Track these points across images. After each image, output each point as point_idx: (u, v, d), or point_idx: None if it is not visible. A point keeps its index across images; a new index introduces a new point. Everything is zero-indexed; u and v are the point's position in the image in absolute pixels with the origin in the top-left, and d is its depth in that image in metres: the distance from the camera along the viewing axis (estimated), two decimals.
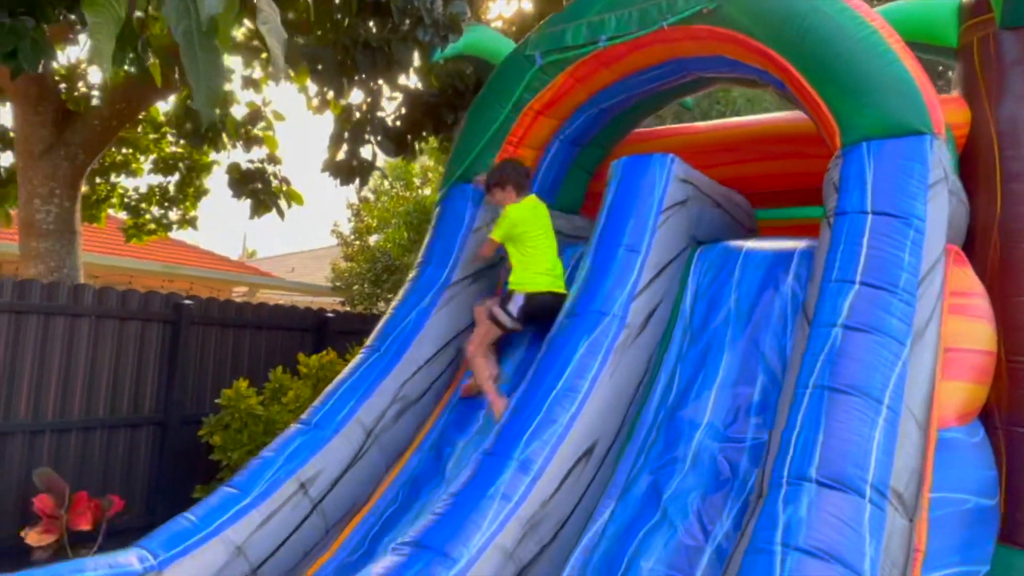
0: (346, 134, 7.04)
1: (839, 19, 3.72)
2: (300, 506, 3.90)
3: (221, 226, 67.97)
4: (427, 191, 15.52)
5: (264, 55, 7.00)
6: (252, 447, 5.60)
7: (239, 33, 7.03)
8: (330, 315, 7.69)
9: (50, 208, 6.79)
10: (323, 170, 7.07)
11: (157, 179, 9.29)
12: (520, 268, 4.37)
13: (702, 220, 4.28)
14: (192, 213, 9.50)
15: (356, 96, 6.96)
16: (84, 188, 8.19)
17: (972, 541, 3.10)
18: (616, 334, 3.70)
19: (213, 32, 2.26)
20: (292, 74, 7.01)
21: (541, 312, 4.30)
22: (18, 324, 5.37)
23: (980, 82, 3.97)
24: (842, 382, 2.95)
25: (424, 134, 7.24)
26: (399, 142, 7.06)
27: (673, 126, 6.30)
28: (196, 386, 6.46)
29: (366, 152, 7.09)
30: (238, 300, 7.24)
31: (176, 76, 5.39)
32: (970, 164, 3.95)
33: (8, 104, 7.21)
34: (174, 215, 9.47)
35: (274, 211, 7.77)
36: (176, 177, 9.20)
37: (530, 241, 4.37)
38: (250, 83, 7.41)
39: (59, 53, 7.14)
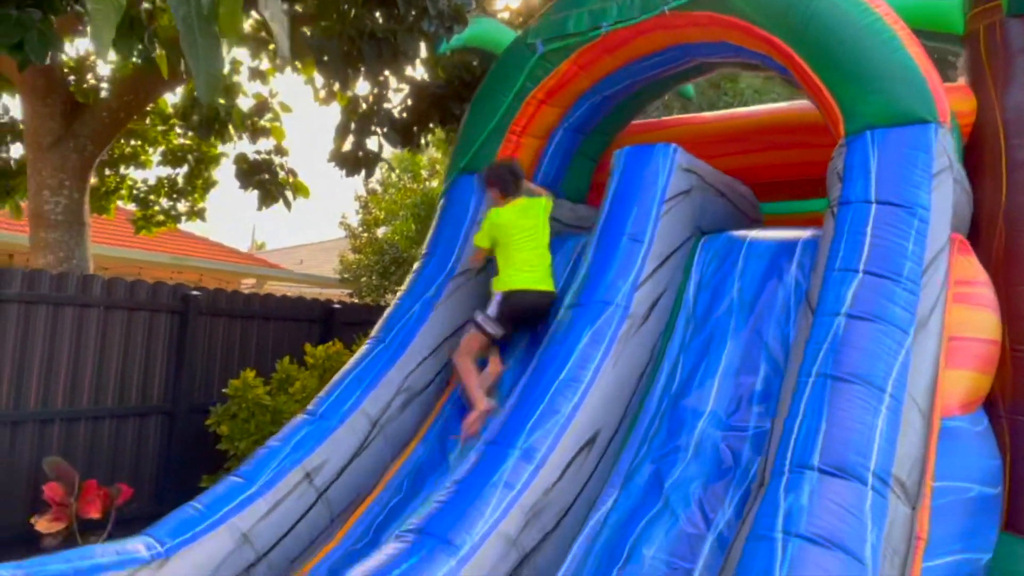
0: (352, 125, 7.06)
1: (843, 6, 3.70)
2: (306, 495, 3.93)
3: (230, 218, 68.20)
4: (435, 183, 15.52)
5: (271, 46, 7.02)
6: (259, 437, 5.63)
7: (247, 25, 7.05)
8: (337, 306, 7.72)
9: (59, 199, 6.83)
10: (329, 160, 7.10)
11: (166, 171, 9.34)
12: (501, 269, 4.37)
13: (706, 210, 4.27)
14: (200, 205, 9.55)
15: (362, 87, 6.97)
16: (93, 180, 8.23)
17: (975, 529, 3.10)
18: (619, 324, 3.70)
19: (213, 18, 2.27)
20: (299, 65, 7.03)
21: (526, 312, 4.27)
22: (28, 314, 5.41)
23: (986, 70, 3.94)
24: (845, 370, 2.95)
25: (431, 126, 7.25)
26: (405, 133, 7.08)
27: (677, 116, 6.29)
28: (204, 376, 6.50)
29: (372, 143, 7.11)
30: (246, 292, 7.25)
31: (182, 68, 5.41)
32: (976, 152, 3.93)
33: (17, 96, 7.25)
34: (183, 207, 9.52)
35: (281, 202, 7.80)
36: (184, 169, 9.24)
37: (512, 244, 4.34)
38: (257, 74, 7.42)
39: (67, 45, 7.18)
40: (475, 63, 6.69)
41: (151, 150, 9.11)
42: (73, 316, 5.65)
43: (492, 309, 4.29)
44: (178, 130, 8.90)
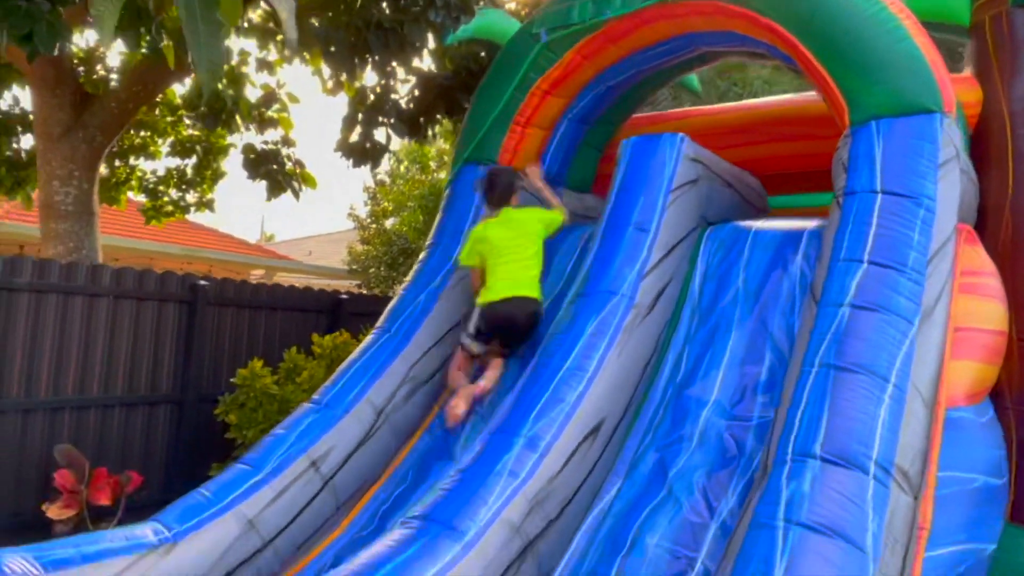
0: (360, 116, 7.07)
1: None
2: (311, 483, 3.95)
3: (240, 210, 68.41)
4: (443, 174, 15.53)
5: (279, 37, 7.03)
6: (267, 425, 5.67)
7: (255, 15, 7.07)
8: (344, 296, 7.76)
9: (69, 190, 6.88)
10: (336, 150, 7.12)
11: (175, 162, 9.39)
12: (485, 284, 4.26)
13: (712, 200, 4.26)
14: (209, 196, 9.60)
15: (370, 78, 6.98)
16: (103, 171, 8.29)
17: (979, 520, 3.10)
18: (624, 314, 3.71)
19: (215, 5, 2.28)
20: (307, 56, 7.04)
21: (504, 324, 4.11)
22: (38, 304, 5.46)
23: (992, 61, 3.92)
24: (848, 361, 2.95)
25: (438, 117, 7.26)
26: (412, 124, 7.08)
27: (684, 109, 6.27)
28: (212, 365, 6.55)
29: (380, 134, 7.12)
30: (255, 282, 7.31)
31: (189, 58, 5.43)
32: (982, 143, 3.91)
33: (27, 87, 7.30)
34: (192, 197, 9.57)
35: (290, 194, 7.83)
36: (193, 160, 9.29)
37: (494, 258, 4.21)
38: (264, 65, 7.44)
39: (76, 36, 7.22)
40: (482, 54, 6.69)
41: (160, 141, 9.16)
42: (83, 305, 5.70)
43: (471, 325, 4.20)
44: (187, 121, 8.94)
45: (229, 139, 9.03)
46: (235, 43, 7.68)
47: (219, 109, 7.25)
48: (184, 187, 9.45)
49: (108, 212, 10.28)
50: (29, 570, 2.97)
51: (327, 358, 6.28)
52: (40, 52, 4.23)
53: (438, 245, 4.83)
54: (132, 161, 9.21)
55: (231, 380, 6.16)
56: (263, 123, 7.83)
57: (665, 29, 4.47)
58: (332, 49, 5.68)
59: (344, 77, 6.67)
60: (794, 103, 5.27)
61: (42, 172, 6.97)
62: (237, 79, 7.47)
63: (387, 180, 16.66)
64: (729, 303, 3.89)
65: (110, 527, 4.87)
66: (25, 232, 11.08)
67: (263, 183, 7.85)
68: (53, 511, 5.09)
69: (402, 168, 16.40)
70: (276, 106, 7.90)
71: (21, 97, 11.52)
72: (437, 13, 5.28)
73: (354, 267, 16.54)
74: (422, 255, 4.92)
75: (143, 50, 5.88)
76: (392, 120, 6.92)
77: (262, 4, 6.66)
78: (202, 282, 6.49)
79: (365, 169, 7.20)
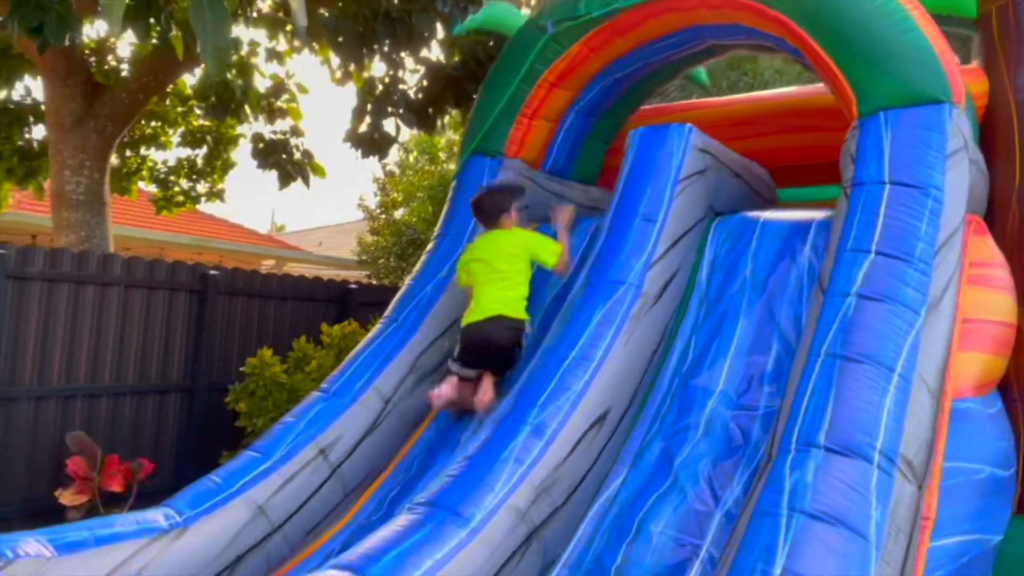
0: (368, 107, 7.09)
1: None
2: (320, 470, 3.99)
3: (250, 201, 68.60)
4: (452, 165, 15.53)
5: (288, 27, 7.05)
6: (276, 414, 5.72)
7: (265, 5, 7.09)
8: (353, 286, 7.80)
9: (80, 179, 6.93)
10: (345, 140, 7.14)
11: (185, 152, 9.44)
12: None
13: (720, 190, 4.26)
14: (219, 186, 9.65)
15: (379, 69, 6.99)
16: (115, 161, 8.35)
17: (985, 511, 3.10)
18: (631, 303, 3.71)
19: None
20: (316, 46, 7.06)
21: (481, 344, 4.02)
22: (50, 292, 5.52)
23: (998, 52, 3.90)
24: (854, 351, 2.95)
25: (447, 107, 7.27)
26: (421, 115, 7.10)
27: (691, 101, 6.26)
28: (222, 354, 6.61)
29: (389, 125, 7.14)
30: (265, 273, 7.36)
31: (198, 48, 5.46)
32: (988, 135, 3.90)
33: (39, 78, 7.35)
34: (202, 188, 9.62)
35: (300, 182, 7.87)
36: (204, 150, 9.33)
37: (476, 279, 4.17)
38: (273, 55, 7.47)
39: (86, 27, 7.25)
40: (491, 43, 6.69)
41: (171, 131, 9.21)
42: (94, 294, 5.76)
43: (456, 350, 4.17)
44: (197, 111, 8.98)
45: (239, 129, 9.08)
46: (244, 33, 7.71)
47: (228, 99, 7.28)
48: (194, 177, 9.51)
49: (119, 202, 10.35)
50: (43, 552, 3.02)
51: (336, 347, 6.32)
52: (51, 43, 4.27)
53: (445, 236, 4.85)
54: (143, 151, 9.27)
55: (241, 369, 6.20)
56: (272, 113, 7.86)
57: (673, 22, 4.46)
58: (340, 39, 5.69)
59: (352, 67, 6.69)
60: (802, 95, 5.26)
61: (54, 162, 7.03)
62: (246, 69, 7.50)
63: (396, 171, 16.69)
64: (736, 293, 3.90)
65: (122, 513, 4.94)
66: (37, 222, 11.17)
67: (273, 174, 7.90)
68: (66, 497, 5.15)
69: (411, 159, 16.43)
70: (285, 96, 7.94)
71: (33, 87, 11.58)
72: (445, 3, 5.28)
73: (364, 257, 16.60)
74: (429, 246, 4.94)
75: (153, 40, 5.92)
76: (401, 110, 6.94)
77: None
78: (212, 271, 6.54)
79: (374, 160, 7.23)
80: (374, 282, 14.36)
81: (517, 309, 4.05)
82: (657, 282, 3.83)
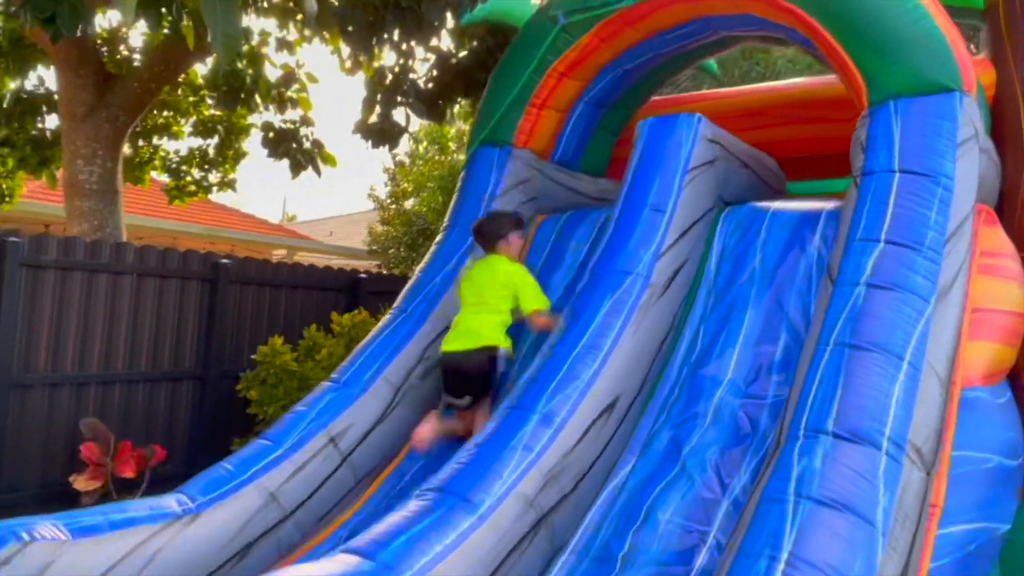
0: (378, 97, 7.09)
1: None
2: (331, 458, 4.03)
3: (261, 191, 68.81)
4: (462, 155, 15.50)
5: (299, 16, 7.06)
6: (287, 402, 5.77)
7: None
8: (362, 276, 7.84)
9: (93, 169, 6.98)
10: (355, 132, 7.15)
11: (197, 142, 9.48)
12: None
13: (729, 181, 4.26)
14: (231, 175, 9.69)
15: (389, 58, 6.99)
16: (127, 150, 8.39)
17: (993, 499, 3.11)
18: (640, 293, 3.72)
19: None
20: (326, 36, 7.06)
21: (452, 371, 4.03)
22: (64, 280, 5.57)
23: (1005, 42, 3.89)
24: (863, 339, 2.96)
25: (457, 97, 7.26)
26: (431, 105, 7.09)
27: (701, 92, 6.25)
28: (234, 342, 6.66)
29: (398, 115, 7.14)
30: (276, 262, 7.40)
31: (208, 37, 5.49)
32: (996, 125, 3.89)
33: (51, 67, 7.39)
34: (214, 177, 9.66)
35: (311, 170, 7.90)
36: (215, 140, 9.37)
37: (463, 299, 4.18)
38: (284, 45, 7.48)
39: (98, 16, 7.28)
40: (501, 33, 6.67)
41: (183, 121, 9.24)
42: (107, 283, 5.81)
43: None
44: (208, 100, 9.01)
45: (250, 119, 9.11)
46: (255, 23, 7.74)
47: (239, 88, 7.30)
48: (206, 167, 9.55)
49: (131, 192, 10.41)
50: (59, 536, 3.06)
51: (346, 336, 6.36)
52: (63, 33, 4.29)
53: (454, 227, 4.86)
54: (155, 141, 9.32)
55: (252, 357, 6.26)
56: (282, 103, 7.88)
57: (683, 12, 4.45)
58: (350, 28, 5.69)
59: (362, 57, 6.69)
60: (812, 85, 5.24)
61: (66, 151, 7.08)
62: (256, 58, 7.51)
63: (407, 161, 16.70)
64: (745, 283, 3.90)
65: (135, 499, 5.00)
66: (50, 211, 11.25)
67: (284, 164, 7.92)
68: (80, 482, 5.22)
69: (421, 149, 16.43)
70: (295, 86, 7.95)
71: (46, 77, 11.63)
72: None
73: (374, 247, 16.64)
74: (438, 237, 4.96)
75: (164, 30, 5.94)
76: (410, 100, 6.94)
77: None
78: (224, 260, 6.59)
79: (385, 150, 7.23)
80: (384, 272, 14.40)
81: (495, 336, 4.01)
82: (666, 272, 3.83)
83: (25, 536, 2.97)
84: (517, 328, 4.22)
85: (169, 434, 6.20)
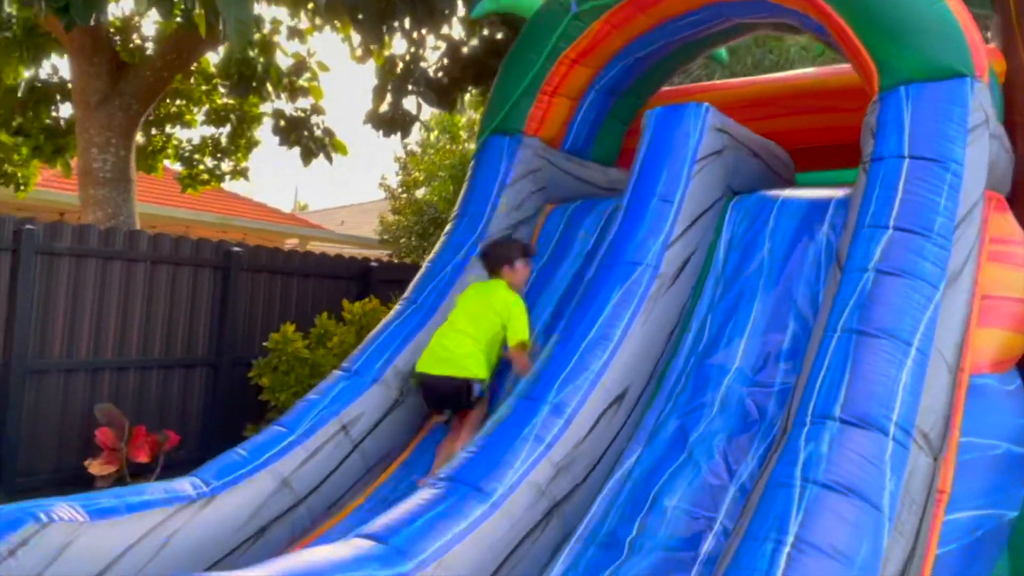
0: (389, 85, 7.11)
1: None
2: (342, 445, 4.05)
3: (274, 180, 69.00)
4: (473, 145, 15.52)
5: (310, 4, 7.07)
6: (299, 389, 5.82)
7: None
8: (374, 264, 7.88)
9: (107, 157, 7.04)
10: (366, 122, 7.17)
11: (210, 131, 9.54)
12: None
13: (738, 170, 4.25)
14: (243, 164, 9.75)
15: (400, 47, 7.01)
16: (140, 139, 8.45)
17: (1001, 486, 3.10)
18: (649, 284, 3.72)
19: None
20: (337, 24, 7.08)
21: (429, 392, 4.05)
22: (78, 268, 5.63)
23: (1016, 31, 3.86)
24: (871, 325, 2.95)
25: (467, 85, 7.27)
26: (442, 93, 7.10)
27: (710, 82, 6.23)
28: (246, 330, 6.72)
29: (409, 103, 7.15)
30: (287, 250, 7.45)
31: (221, 26, 5.51)
32: (1007, 114, 3.85)
33: (65, 56, 7.44)
34: (226, 166, 9.72)
35: (323, 158, 7.93)
36: (227, 128, 9.42)
37: (453, 313, 4.19)
38: (295, 33, 7.50)
39: (111, 5, 7.33)
40: (513, 21, 6.67)
41: (195, 109, 9.29)
42: (121, 270, 5.87)
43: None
44: (221, 89, 9.06)
45: (262, 108, 9.15)
46: (266, 11, 7.75)
47: (250, 76, 7.34)
48: (219, 156, 9.61)
49: (144, 180, 10.48)
50: (76, 517, 3.11)
51: (357, 324, 6.40)
52: (77, 22, 4.33)
53: (463, 216, 4.87)
54: (168, 129, 9.37)
55: (264, 344, 6.31)
56: (294, 92, 7.91)
57: None
58: (361, 16, 5.71)
59: (373, 45, 6.71)
60: (822, 75, 5.22)
61: (80, 139, 7.14)
62: (268, 47, 7.54)
63: (418, 150, 16.72)
64: (754, 272, 3.90)
65: (149, 483, 5.07)
66: (65, 200, 11.34)
67: (296, 153, 7.97)
68: (95, 467, 5.30)
69: (432, 138, 16.44)
70: (306, 75, 7.98)
71: (60, 66, 11.64)
72: None
73: (385, 237, 16.68)
74: (448, 227, 4.96)
75: (177, 19, 5.97)
76: (421, 88, 6.95)
77: None
78: (236, 248, 6.63)
79: (396, 139, 7.29)
80: (395, 260, 14.46)
81: (474, 370, 3.99)
82: (674, 263, 3.83)
83: (43, 517, 3.01)
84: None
85: (182, 420, 6.27)
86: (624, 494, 3.38)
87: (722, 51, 6.33)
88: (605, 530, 3.26)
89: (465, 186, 5.09)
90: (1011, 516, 3.13)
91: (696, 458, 3.35)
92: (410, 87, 7.11)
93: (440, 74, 7.15)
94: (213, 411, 6.46)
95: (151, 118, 8.65)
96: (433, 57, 7.23)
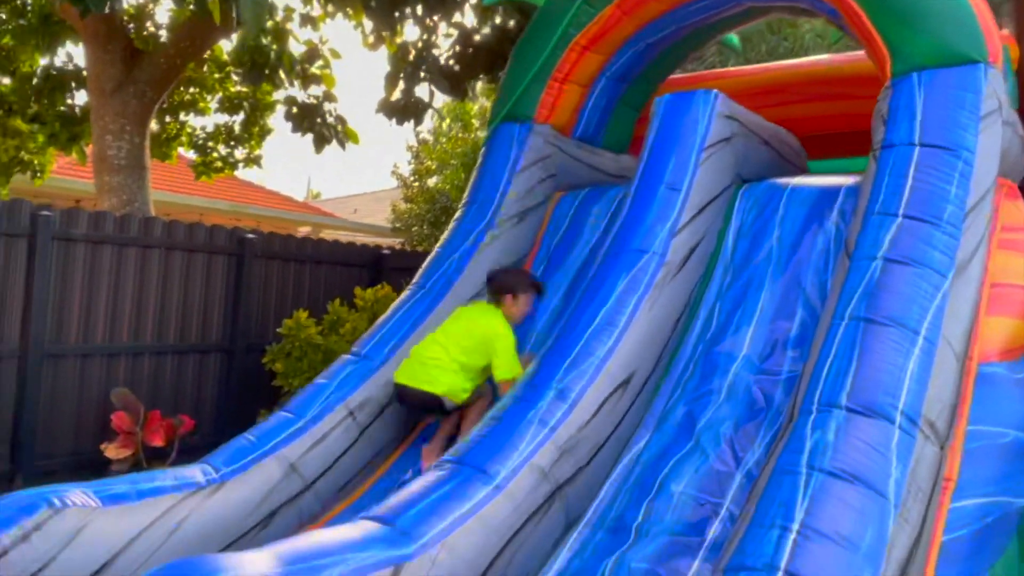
0: (402, 73, 7.12)
1: None
2: (349, 430, 4.09)
3: (286, 169, 69.23)
4: (485, 133, 15.51)
5: None
6: (312, 374, 5.86)
7: None
8: (385, 252, 7.91)
9: (121, 144, 7.10)
10: (378, 111, 7.18)
11: (223, 118, 9.58)
12: None
13: (748, 158, 4.23)
14: (257, 152, 9.79)
15: (412, 34, 7.02)
16: (154, 126, 8.51)
17: (1009, 474, 3.09)
18: (655, 271, 3.72)
19: None
20: (349, 11, 7.08)
21: (413, 404, 4.06)
22: (94, 253, 5.69)
23: None
24: (879, 314, 2.94)
25: (480, 73, 7.26)
26: (454, 81, 7.10)
27: (719, 70, 6.19)
28: (259, 316, 6.77)
29: (422, 91, 7.16)
30: (300, 237, 7.49)
31: (234, 14, 5.53)
32: (1019, 101, 3.80)
33: (80, 43, 7.50)
34: (240, 154, 9.77)
35: (335, 148, 7.97)
36: (241, 116, 9.46)
37: (444, 327, 4.18)
38: (307, 20, 7.51)
39: None
40: (524, 10, 6.65)
41: (209, 97, 9.34)
42: (136, 256, 5.93)
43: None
44: (234, 77, 9.10)
45: (274, 96, 9.18)
46: None
47: (263, 63, 7.36)
48: (232, 143, 9.65)
49: (158, 168, 10.56)
50: (89, 503, 3.17)
51: (369, 311, 6.43)
52: (91, 9, 4.36)
53: (473, 203, 4.88)
54: (182, 117, 9.43)
55: (277, 330, 6.36)
56: (306, 79, 7.93)
57: None
58: (373, 3, 5.71)
59: (385, 32, 6.71)
60: (835, 62, 5.17)
61: (95, 126, 7.20)
62: (281, 34, 7.56)
63: (430, 139, 16.73)
64: (763, 260, 3.89)
65: (164, 467, 5.14)
66: (80, 187, 11.45)
67: (309, 141, 8.01)
68: (111, 451, 5.37)
69: (444, 126, 16.44)
70: (319, 62, 7.99)
71: (75, 54, 11.74)
72: None
73: (397, 225, 16.72)
74: (457, 214, 4.98)
75: (190, 6, 5.99)
76: (434, 76, 6.95)
77: None
78: (249, 235, 6.68)
79: (409, 128, 7.32)
80: (407, 248, 14.50)
81: (444, 384, 3.97)
82: (681, 250, 3.83)
83: (57, 502, 3.07)
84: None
85: (197, 405, 6.33)
86: (632, 479, 3.40)
87: (734, 37, 6.28)
88: (613, 515, 3.28)
89: (475, 173, 5.10)
90: (1020, 503, 3.11)
91: (703, 445, 3.36)
92: (422, 74, 7.11)
93: (452, 62, 7.15)
94: (227, 396, 6.52)
95: (165, 106, 8.70)
96: (445, 45, 7.23)
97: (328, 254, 7.42)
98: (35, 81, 8.34)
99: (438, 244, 4.89)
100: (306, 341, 6.15)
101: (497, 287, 4.22)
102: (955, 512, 2.82)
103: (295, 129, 7.95)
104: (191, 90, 9.20)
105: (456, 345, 4.02)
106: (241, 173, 10.58)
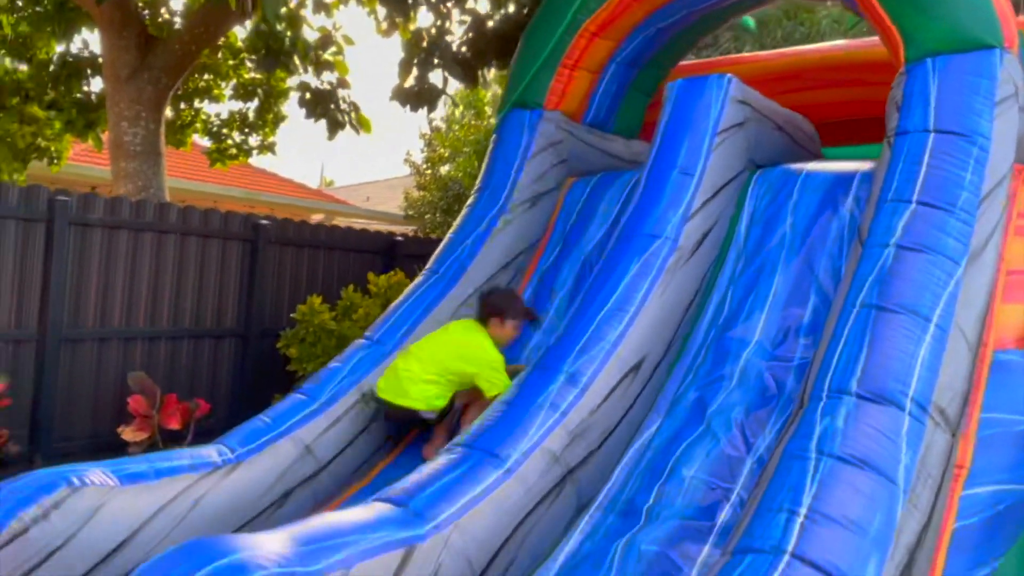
0: (415, 60, 7.12)
1: None
2: (362, 413, 4.14)
3: (300, 156, 69.40)
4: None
5: None
6: (326, 359, 5.90)
7: None
8: (399, 238, 7.94)
9: (137, 130, 7.14)
10: (392, 98, 7.18)
11: (237, 105, 9.62)
12: None
13: (761, 143, 4.21)
14: (271, 139, 9.82)
15: (426, 20, 7.01)
16: (169, 113, 8.55)
17: (1022, 462, 3.09)
18: (667, 256, 3.73)
19: None
20: None
21: (395, 417, 4.08)
22: (111, 239, 5.75)
23: None
24: (891, 301, 2.94)
25: (493, 60, 7.25)
26: (467, 68, 7.09)
27: (734, 56, 6.15)
28: (274, 302, 6.82)
29: (435, 78, 7.15)
30: (314, 224, 7.53)
31: (249, 1, 5.55)
32: None
33: (95, 30, 7.54)
34: (254, 141, 9.81)
35: (349, 131, 7.98)
36: (255, 103, 9.49)
37: (427, 338, 4.15)
38: (321, 7, 7.52)
39: None
40: None
41: (223, 84, 9.37)
42: (152, 242, 5.98)
43: None
44: (248, 64, 9.12)
45: (288, 83, 9.20)
46: None
47: (277, 50, 7.38)
48: (246, 130, 9.69)
49: (173, 155, 10.62)
50: (107, 482, 3.22)
51: (382, 297, 6.47)
52: None
53: (485, 189, 4.90)
54: (196, 104, 9.46)
55: (292, 316, 6.41)
56: (320, 66, 7.94)
57: None
58: None
59: (399, 18, 6.71)
60: (849, 48, 5.13)
61: (111, 113, 7.25)
62: (295, 20, 7.57)
63: (443, 126, 16.72)
64: (776, 246, 3.88)
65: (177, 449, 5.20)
66: (96, 174, 11.53)
67: (322, 129, 8.03)
68: (128, 433, 5.44)
69: (457, 113, 16.43)
70: (332, 49, 8.00)
71: (90, 40, 11.79)
72: None
73: (410, 212, 16.75)
74: (470, 200, 5.01)
75: None
76: (447, 62, 6.94)
77: None
78: (264, 222, 6.72)
79: (422, 115, 7.33)
80: (420, 235, 14.53)
81: (420, 399, 3.95)
82: (694, 236, 3.83)
83: (76, 481, 3.12)
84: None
85: (212, 389, 6.40)
86: (643, 463, 3.42)
87: (750, 19, 6.24)
88: (624, 498, 3.30)
89: (486, 159, 5.11)
90: None
91: (714, 429, 3.37)
92: (436, 61, 7.11)
93: (465, 48, 7.14)
94: (242, 381, 6.58)
95: (179, 92, 8.74)
96: (458, 32, 7.22)
97: (342, 240, 7.46)
98: (51, 68, 8.40)
99: (451, 230, 4.91)
100: (320, 326, 6.20)
101: (487, 308, 4.11)
102: (967, 499, 2.82)
103: (309, 115, 7.97)
104: (205, 77, 9.23)
105: (431, 358, 3.97)
106: (255, 160, 10.63)
